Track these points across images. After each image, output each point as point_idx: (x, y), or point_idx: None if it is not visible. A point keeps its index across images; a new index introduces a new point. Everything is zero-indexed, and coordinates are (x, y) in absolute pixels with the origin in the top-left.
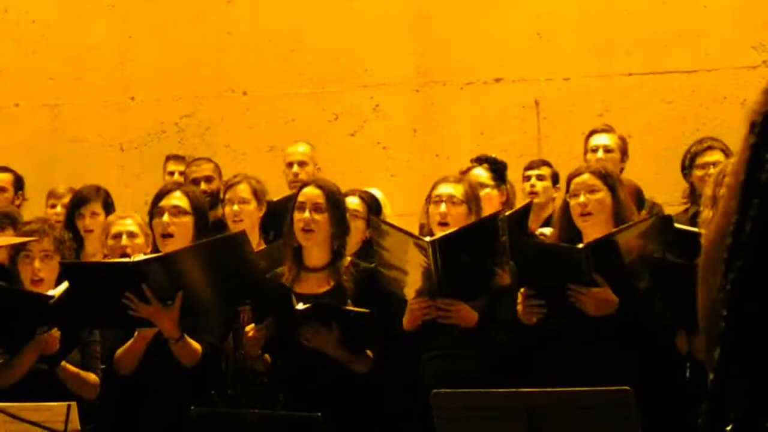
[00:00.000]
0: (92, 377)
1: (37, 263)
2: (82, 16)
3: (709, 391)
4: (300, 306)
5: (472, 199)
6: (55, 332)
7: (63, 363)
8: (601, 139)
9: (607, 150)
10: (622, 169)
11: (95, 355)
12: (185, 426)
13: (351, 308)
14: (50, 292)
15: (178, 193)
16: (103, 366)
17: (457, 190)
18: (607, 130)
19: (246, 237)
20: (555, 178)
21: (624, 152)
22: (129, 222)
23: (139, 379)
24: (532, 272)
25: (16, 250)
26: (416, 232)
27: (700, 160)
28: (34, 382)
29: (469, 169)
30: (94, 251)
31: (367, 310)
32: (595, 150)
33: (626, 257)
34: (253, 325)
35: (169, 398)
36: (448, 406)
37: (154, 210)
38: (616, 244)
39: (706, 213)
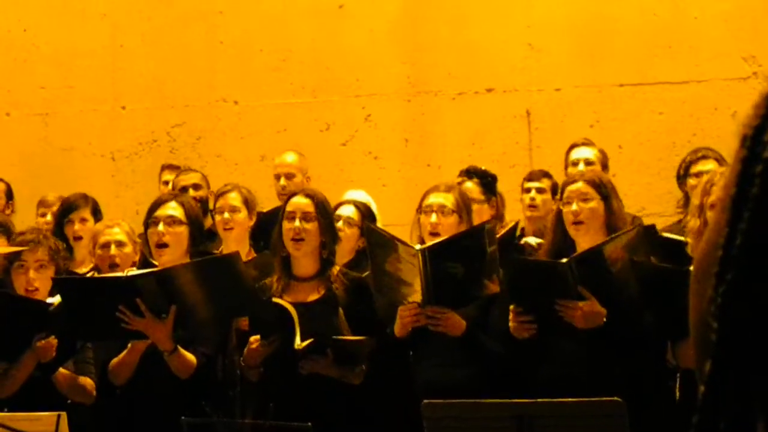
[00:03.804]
0: (88, 382)
1: (32, 273)
2: (74, 25)
3: (699, 403)
4: (299, 344)
5: (462, 208)
6: (53, 340)
7: (60, 370)
8: (582, 153)
9: (588, 163)
10: None
11: (88, 360)
12: None
13: (349, 338)
14: (49, 300)
15: (173, 203)
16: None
17: (447, 200)
18: (588, 143)
19: (239, 258)
20: (555, 190)
21: (604, 165)
22: (117, 231)
23: (131, 390)
24: (520, 289)
25: (10, 260)
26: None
27: (694, 169)
28: (29, 391)
29: (459, 184)
30: (83, 258)
31: (364, 338)
32: (576, 163)
33: (612, 268)
34: (258, 336)
35: (161, 408)
36: (439, 416)
37: (149, 220)
38: (601, 255)
39: (693, 222)
